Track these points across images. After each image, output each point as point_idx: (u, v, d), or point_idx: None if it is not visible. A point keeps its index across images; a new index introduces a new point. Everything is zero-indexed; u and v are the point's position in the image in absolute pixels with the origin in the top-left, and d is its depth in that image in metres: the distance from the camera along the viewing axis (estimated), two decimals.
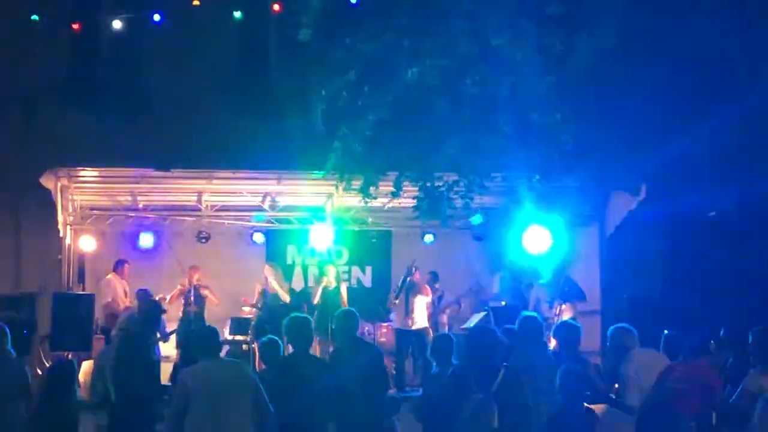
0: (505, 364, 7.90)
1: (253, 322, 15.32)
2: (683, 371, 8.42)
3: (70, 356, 14.44)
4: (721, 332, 9.98)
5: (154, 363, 10.36)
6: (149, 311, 11.14)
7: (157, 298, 15.28)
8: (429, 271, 16.49)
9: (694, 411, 8.13)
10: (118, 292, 15.66)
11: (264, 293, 15.70)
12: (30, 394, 9.22)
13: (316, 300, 15.56)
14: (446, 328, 15.85)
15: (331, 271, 15.86)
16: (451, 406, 7.61)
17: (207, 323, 15.02)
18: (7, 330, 9.37)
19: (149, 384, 9.59)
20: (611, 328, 9.50)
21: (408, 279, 15.50)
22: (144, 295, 14.50)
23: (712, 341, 9.55)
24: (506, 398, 7.43)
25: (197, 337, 8.69)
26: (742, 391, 7.86)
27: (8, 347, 9.29)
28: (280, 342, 8.96)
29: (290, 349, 8.96)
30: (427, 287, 15.72)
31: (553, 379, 7.98)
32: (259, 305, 15.58)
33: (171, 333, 14.76)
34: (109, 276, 15.96)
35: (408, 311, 15.54)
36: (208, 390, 7.90)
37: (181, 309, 15.58)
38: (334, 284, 15.68)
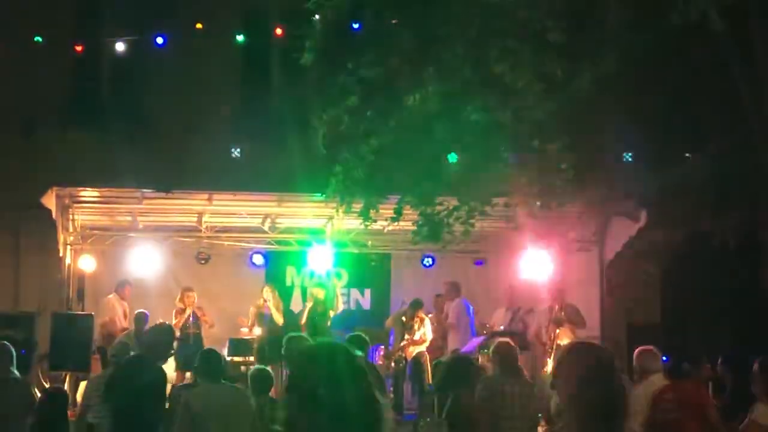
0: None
1: (255, 345, 15.35)
2: (670, 399, 8.36)
3: (66, 377, 14.47)
4: (720, 359, 9.99)
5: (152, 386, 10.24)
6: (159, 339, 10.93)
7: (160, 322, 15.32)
8: (436, 293, 16.51)
9: None
10: (117, 312, 15.64)
11: (262, 315, 15.72)
12: None
13: (303, 321, 15.59)
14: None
15: (319, 294, 15.86)
16: None
17: (205, 344, 15.07)
18: (12, 350, 9.37)
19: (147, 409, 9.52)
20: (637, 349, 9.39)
21: (403, 319, 15.50)
22: (144, 317, 14.53)
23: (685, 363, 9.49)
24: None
25: (202, 360, 8.70)
26: (750, 422, 7.76)
27: (12, 368, 9.29)
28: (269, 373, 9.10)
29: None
30: (423, 318, 15.66)
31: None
32: (256, 327, 15.61)
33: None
34: (110, 296, 15.97)
35: (403, 337, 15.56)
36: (214, 413, 7.94)
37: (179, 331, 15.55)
38: (322, 307, 15.69)
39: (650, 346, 9.47)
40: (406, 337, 15.34)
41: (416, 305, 15.55)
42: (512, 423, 8.55)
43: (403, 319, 15.60)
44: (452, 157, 11.27)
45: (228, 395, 8.28)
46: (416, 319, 15.37)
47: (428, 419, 7.47)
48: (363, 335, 9.87)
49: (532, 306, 15.82)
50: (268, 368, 10.08)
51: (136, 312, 15.03)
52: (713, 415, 8.06)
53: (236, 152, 14.75)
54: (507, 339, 9.74)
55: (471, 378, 7.76)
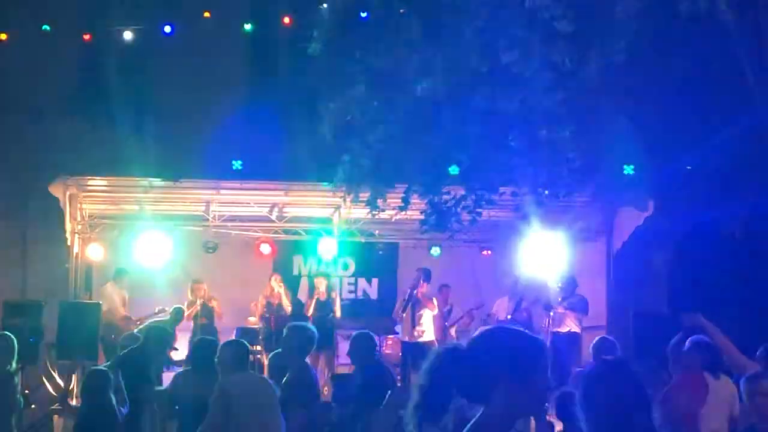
0: None
1: (262, 335, 15.41)
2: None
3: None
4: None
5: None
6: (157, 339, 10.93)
7: (156, 310, 15.40)
8: (441, 284, 16.55)
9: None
10: (115, 301, 15.69)
11: (269, 305, 15.78)
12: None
13: (310, 312, 15.66)
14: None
15: (322, 283, 15.94)
16: None
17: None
18: (14, 344, 9.43)
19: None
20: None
21: (414, 291, 15.53)
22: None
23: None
24: None
25: (231, 350, 8.73)
26: None
27: (13, 362, 9.37)
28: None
29: None
30: (433, 302, 15.72)
31: None
32: (267, 317, 15.66)
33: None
34: (106, 285, 16.01)
35: (414, 323, 15.58)
36: (254, 401, 8.07)
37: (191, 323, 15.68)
38: (325, 296, 15.77)
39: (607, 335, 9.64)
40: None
41: (421, 273, 15.69)
42: None
43: (407, 292, 15.64)
44: (460, 146, 11.22)
45: (262, 384, 8.47)
46: (421, 286, 15.46)
47: None
48: (369, 333, 9.91)
49: (536, 296, 15.87)
50: None
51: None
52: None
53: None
54: None
55: None
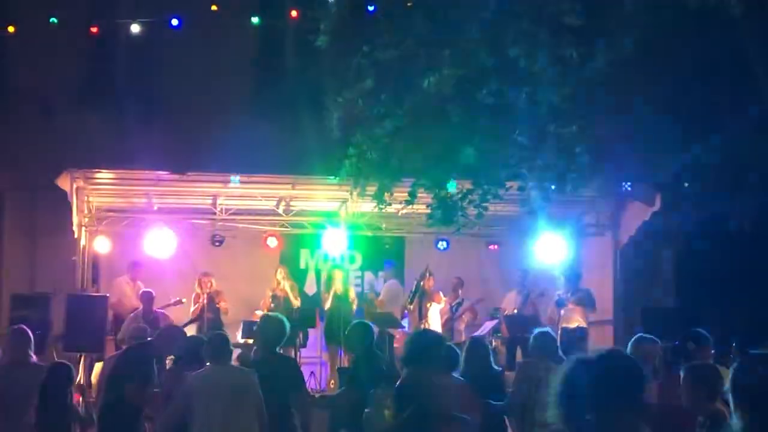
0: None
1: None
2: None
3: (81, 359, 14.53)
4: (733, 344, 9.97)
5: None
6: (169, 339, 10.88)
7: (173, 300, 15.43)
8: (455, 276, 16.59)
9: None
10: (126, 293, 15.72)
11: (275, 298, 15.80)
12: None
13: (327, 305, 15.71)
14: (462, 335, 15.83)
15: (338, 276, 15.99)
16: None
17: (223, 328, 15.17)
18: (30, 334, 9.43)
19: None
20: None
21: (421, 284, 15.55)
22: (149, 297, 14.68)
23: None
24: None
25: (209, 342, 8.77)
26: None
27: (30, 351, 9.35)
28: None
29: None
30: (440, 295, 15.77)
31: None
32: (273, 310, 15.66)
33: None
34: (120, 277, 16.06)
35: (421, 317, 15.61)
36: (217, 393, 8.06)
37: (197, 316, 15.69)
38: (341, 289, 15.81)
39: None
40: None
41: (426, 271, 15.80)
42: None
43: (422, 284, 15.71)
44: (467, 140, 11.20)
45: (234, 377, 8.39)
46: (428, 279, 15.49)
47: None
48: (367, 322, 10.00)
49: (543, 290, 15.89)
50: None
51: (142, 291, 15.14)
52: None
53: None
54: None
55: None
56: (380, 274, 18.07)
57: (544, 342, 9.61)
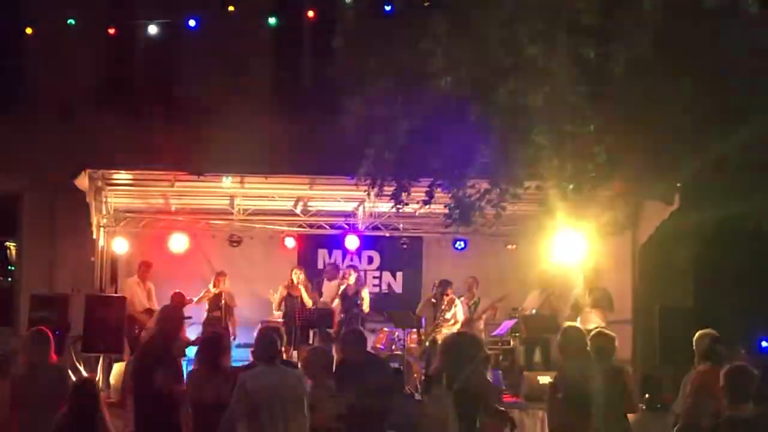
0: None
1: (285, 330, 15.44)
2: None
3: (100, 359, 14.59)
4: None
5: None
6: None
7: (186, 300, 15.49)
8: (469, 276, 16.57)
9: None
10: (137, 294, 15.78)
11: (290, 297, 15.83)
12: None
13: (334, 304, 15.72)
14: (482, 334, 15.80)
15: (351, 276, 16.01)
16: None
17: (233, 328, 15.23)
18: (50, 336, 9.43)
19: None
20: None
21: (441, 306, 15.60)
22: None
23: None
24: None
25: (259, 343, 8.80)
26: None
27: (51, 353, 9.35)
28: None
29: None
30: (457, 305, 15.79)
31: None
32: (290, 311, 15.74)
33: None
34: (130, 278, 16.12)
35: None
36: (273, 394, 8.14)
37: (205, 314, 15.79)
38: (353, 289, 15.82)
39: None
40: (438, 319, 15.41)
41: (444, 285, 15.60)
42: None
43: (433, 300, 15.65)
44: (484, 140, 11.15)
45: (286, 377, 8.46)
46: (445, 299, 15.41)
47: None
48: (361, 330, 10.14)
49: (563, 290, 15.82)
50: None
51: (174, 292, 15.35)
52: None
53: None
54: None
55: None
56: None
57: None
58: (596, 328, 14.60)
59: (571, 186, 11.76)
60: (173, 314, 10.38)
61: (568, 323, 10.55)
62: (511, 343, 15.82)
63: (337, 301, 16.01)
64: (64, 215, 16.85)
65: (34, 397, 8.97)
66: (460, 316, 15.64)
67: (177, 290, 15.31)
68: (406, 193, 12.16)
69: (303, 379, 8.63)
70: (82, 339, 14.62)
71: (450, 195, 12.10)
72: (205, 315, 15.81)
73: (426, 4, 11.36)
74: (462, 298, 16.13)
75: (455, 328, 15.43)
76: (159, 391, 8.92)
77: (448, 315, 15.39)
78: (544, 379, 12.49)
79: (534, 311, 15.60)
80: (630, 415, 8.72)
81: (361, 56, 11.41)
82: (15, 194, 17.69)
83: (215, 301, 15.83)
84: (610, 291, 15.12)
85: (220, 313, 15.65)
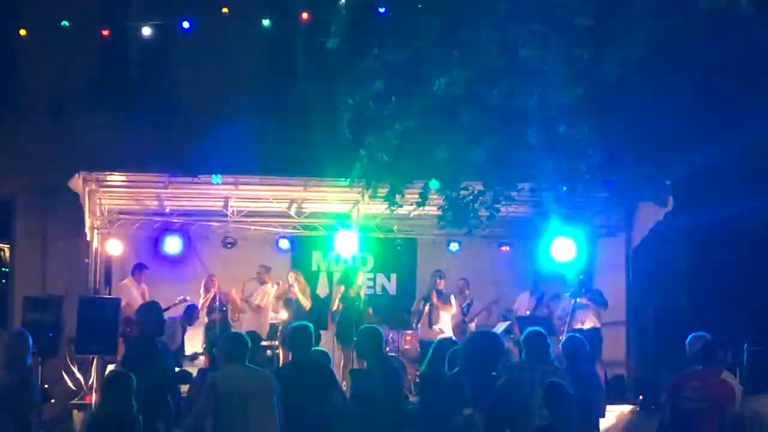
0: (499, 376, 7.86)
1: (280, 329, 15.45)
2: (698, 387, 8.32)
3: (94, 361, 14.58)
4: (745, 346, 9.90)
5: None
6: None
7: (180, 299, 15.47)
8: (460, 278, 16.58)
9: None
10: (133, 296, 15.75)
11: (287, 300, 15.82)
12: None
13: (335, 307, 15.71)
14: None
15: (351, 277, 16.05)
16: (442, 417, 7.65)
17: (233, 329, 15.20)
18: (30, 339, 9.42)
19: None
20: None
21: (431, 300, 15.62)
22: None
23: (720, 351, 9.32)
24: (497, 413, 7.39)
25: (225, 342, 8.80)
26: None
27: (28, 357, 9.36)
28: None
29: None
30: (451, 303, 15.78)
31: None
32: (282, 311, 15.73)
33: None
34: (125, 280, 16.09)
35: (432, 322, 15.65)
36: (238, 394, 8.12)
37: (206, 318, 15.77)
38: (354, 291, 15.81)
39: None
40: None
41: (435, 274, 15.86)
42: None
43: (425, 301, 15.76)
44: (478, 142, 11.16)
45: (253, 377, 8.40)
46: (439, 284, 15.51)
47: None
48: (376, 326, 10.13)
49: (557, 291, 15.83)
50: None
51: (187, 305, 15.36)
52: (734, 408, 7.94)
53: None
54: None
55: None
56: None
57: None
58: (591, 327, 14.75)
59: (564, 188, 11.78)
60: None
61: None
62: (505, 344, 15.80)
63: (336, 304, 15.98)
64: (57, 217, 16.81)
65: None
66: (455, 306, 15.75)
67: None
68: (400, 195, 12.17)
69: (272, 378, 8.59)
70: (76, 341, 14.57)
71: (444, 197, 12.12)
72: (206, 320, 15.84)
73: (419, 6, 11.37)
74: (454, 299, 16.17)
75: (451, 313, 15.58)
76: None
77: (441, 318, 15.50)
78: None
79: (528, 312, 15.60)
80: (622, 416, 8.70)
81: (355, 58, 11.42)
82: (8, 196, 17.63)
83: (211, 305, 15.81)
84: (600, 289, 15.16)
85: (218, 315, 15.62)
